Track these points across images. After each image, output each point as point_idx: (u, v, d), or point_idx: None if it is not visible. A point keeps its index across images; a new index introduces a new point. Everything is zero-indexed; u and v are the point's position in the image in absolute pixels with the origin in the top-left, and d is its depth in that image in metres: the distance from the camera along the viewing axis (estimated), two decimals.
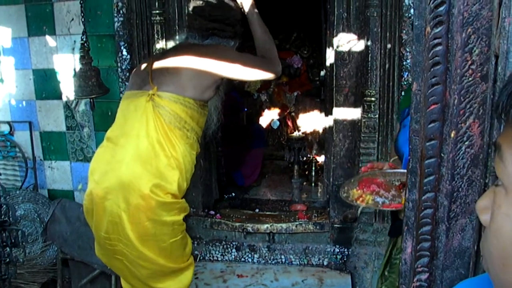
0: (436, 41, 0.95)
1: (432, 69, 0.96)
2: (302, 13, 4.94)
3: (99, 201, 2.29)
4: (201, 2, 2.49)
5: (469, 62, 0.92)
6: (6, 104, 3.59)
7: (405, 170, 1.09)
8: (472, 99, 0.94)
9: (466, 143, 0.96)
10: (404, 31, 2.82)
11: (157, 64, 2.41)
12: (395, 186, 1.70)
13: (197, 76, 2.35)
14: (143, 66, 2.49)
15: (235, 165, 4.27)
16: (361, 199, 1.69)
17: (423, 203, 1.02)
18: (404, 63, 2.86)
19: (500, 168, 0.66)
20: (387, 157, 2.95)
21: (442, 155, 0.98)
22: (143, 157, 2.27)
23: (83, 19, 2.83)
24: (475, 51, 0.92)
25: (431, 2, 0.95)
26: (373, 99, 2.93)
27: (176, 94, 2.32)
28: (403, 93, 2.81)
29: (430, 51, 0.96)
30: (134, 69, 2.64)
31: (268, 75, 2.48)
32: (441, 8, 0.93)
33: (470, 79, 0.93)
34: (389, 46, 2.87)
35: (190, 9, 2.55)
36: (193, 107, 2.36)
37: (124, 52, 3.18)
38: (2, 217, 2.74)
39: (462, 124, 0.95)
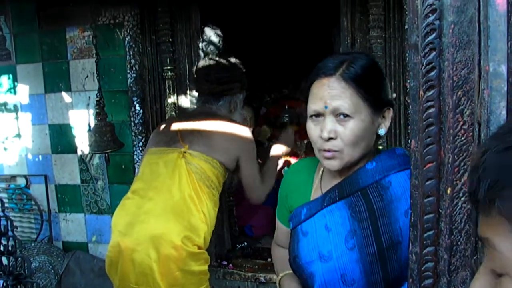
0: (429, 103, 1.01)
1: (426, 130, 1.02)
2: (311, 63, 5.04)
3: (128, 252, 2.31)
4: (205, 65, 2.65)
5: (461, 123, 0.98)
6: (23, 158, 3.69)
7: None
8: (465, 157, 0.99)
9: (462, 199, 1.01)
10: (408, 81, 2.89)
11: (186, 125, 2.54)
12: None
13: (226, 147, 2.50)
14: (169, 125, 2.61)
15: (245, 220, 4.26)
16: None
17: (424, 256, 1.06)
18: (409, 111, 2.91)
19: (498, 258, 0.66)
20: None
21: (440, 210, 1.03)
22: (175, 210, 2.34)
23: (98, 77, 2.94)
24: (466, 112, 0.98)
25: (422, 67, 1.01)
26: (380, 147, 2.96)
27: (206, 155, 2.45)
28: None
29: (424, 113, 1.02)
30: (157, 128, 2.76)
31: (254, 192, 2.68)
32: (432, 73, 1.00)
33: (462, 138, 0.98)
34: (394, 95, 2.93)
35: (196, 75, 2.71)
36: (219, 169, 2.49)
37: (137, 107, 3.28)
38: (18, 269, 2.78)
39: (457, 181, 1.00)
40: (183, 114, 2.88)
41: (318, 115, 1.37)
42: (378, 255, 1.34)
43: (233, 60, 2.69)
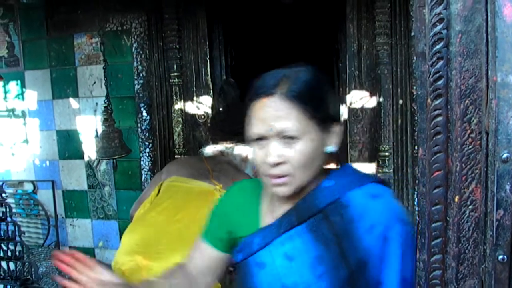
0: (436, 112, 1.01)
1: (434, 138, 1.02)
2: (317, 68, 5.06)
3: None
4: (220, 117, 2.72)
5: (468, 131, 0.98)
6: (31, 164, 3.71)
7: None
8: (473, 166, 0.99)
9: (470, 207, 1.01)
10: (415, 87, 2.89)
11: (214, 167, 2.56)
12: None
13: None
14: (197, 162, 2.63)
15: None
16: None
17: (432, 264, 1.06)
18: (416, 117, 2.91)
19: None
20: None
21: (448, 218, 1.03)
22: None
23: (106, 83, 2.96)
24: (473, 120, 0.98)
25: (430, 76, 1.02)
26: (387, 154, 2.98)
27: None
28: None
29: (431, 121, 1.02)
30: (179, 160, 2.87)
31: None
32: (439, 82, 1.00)
33: (470, 147, 0.99)
34: (400, 102, 2.94)
35: (210, 125, 2.81)
36: None
37: (144, 113, 3.29)
38: (25, 274, 2.80)
39: (465, 190, 1.00)
40: (207, 156, 2.91)
41: (262, 138, 1.24)
42: (349, 279, 1.24)
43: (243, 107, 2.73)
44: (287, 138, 1.21)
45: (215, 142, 2.72)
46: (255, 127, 1.25)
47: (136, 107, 3.33)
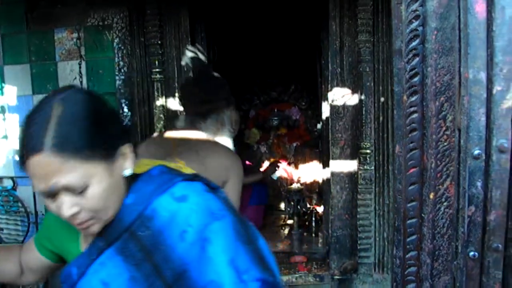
0: (412, 109, 1.02)
1: (410, 135, 1.02)
2: (300, 66, 5.07)
3: None
4: (189, 85, 2.59)
5: (444, 128, 0.99)
6: (10, 160, 3.66)
7: None
8: (448, 163, 1.00)
9: (445, 204, 1.01)
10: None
11: (180, 143, 2.49)
12: None
13: (217, 170, 2.42)
14: (163, 140, 2.57)
15: None
16: None
17: (407, 261, 1.07)
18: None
19: None
20: (384, 208, 2.99)
21: (423, 215, 1.04)
22: None
23: (80, 79, 2.93)
24: (448, 118, 0.99)
25: (406, 73, 1.02)
26: (368, 151, 2.99)
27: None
28: None
29: (407, 118, 1.02)
30: (150, 140, 2.73)
31: None
32: (415, 79, 1.00)
33: (445, 144, 0.99)
34: (382, 99, 2.95)
35: (180, 95, 2.66)
36: None
37: (125, 109, 3.27)
38: None
39: (440, 186, 1.01)
40: (175, 131, 2.88)
41: (49, 194, 1.13)
42: None
43: (217, 77, 2.64)
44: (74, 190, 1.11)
45: (188, 112, 2.60)
46: (38, 186, 1.12)
47: (117, 103, 3.29)
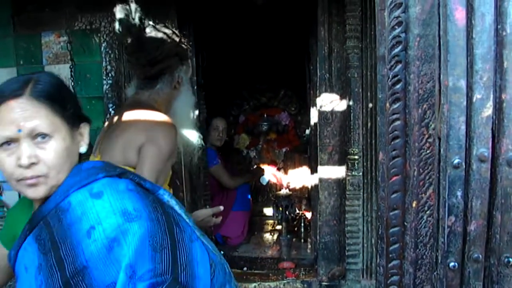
0: (394, 116, 1.00)
1: (392, 143, 1.01)
2: (289, 71, 5.07)
3: None
4: (132, 47, 2.34)
5: (426, 136, 0.98)
6: None
7: None
8: (430, 171, 0.99)
9: (427, 212, 1.00)
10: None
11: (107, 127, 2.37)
12: None
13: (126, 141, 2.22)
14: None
15: (215, 228, 4.19)
16: None
17: (390, 270, 1.06)
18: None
19: None
20: (372, 214, 2.98)
21: (406, 224, 1.02)
22: None
23: (73, 84, 2.90)
24: (431, 125, 0.98)
25: (389, 80, 1.01)
26: (356, 157, 2.98)
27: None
28: None
29: (389, 126, 1.01)
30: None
31: None
32: (398, 86, 0.99)
33: (427, 152, 0.98)
34: (370, 105, 2.94)
35: (127, 59, 2.54)
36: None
37: (113, 113, 3.24)
38: None
39: (423, 195, 1.00)
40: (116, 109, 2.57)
41: (10, 142, 1.22)
42: (65, 287, 1.19)
43: (161, 34, 2.36)
44: (39, 137, 1.22)
45: (139, 77, 2.39)
46: (3, 131, 1.21)
47: (105, 107, 3.27)
